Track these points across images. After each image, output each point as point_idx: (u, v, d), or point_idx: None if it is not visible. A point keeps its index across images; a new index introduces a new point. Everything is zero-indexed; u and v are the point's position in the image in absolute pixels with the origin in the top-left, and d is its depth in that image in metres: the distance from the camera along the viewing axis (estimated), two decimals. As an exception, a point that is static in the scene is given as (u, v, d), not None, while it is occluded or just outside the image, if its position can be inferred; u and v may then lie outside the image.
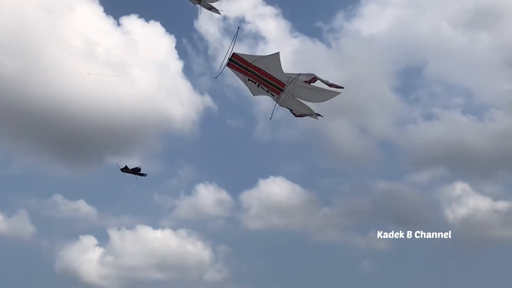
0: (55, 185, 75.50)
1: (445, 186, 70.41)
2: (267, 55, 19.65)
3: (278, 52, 19.46)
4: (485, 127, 68.15)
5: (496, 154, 64.52)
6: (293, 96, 20.17)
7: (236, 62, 20.00)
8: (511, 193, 70.99)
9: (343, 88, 20.41)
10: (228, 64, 20.07)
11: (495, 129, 66.61)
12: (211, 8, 28.57)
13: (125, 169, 30.74)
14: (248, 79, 20.54)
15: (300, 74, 20.04)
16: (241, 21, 75.22)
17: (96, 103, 59.62)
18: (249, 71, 20.24)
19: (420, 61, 79.06)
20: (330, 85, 20.30)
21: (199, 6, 28.23)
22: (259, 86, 20.65)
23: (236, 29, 20.46)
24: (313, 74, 20.41)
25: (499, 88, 70.09)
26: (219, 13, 29.22)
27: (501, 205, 63.12)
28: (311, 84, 20.11)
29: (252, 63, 19.98)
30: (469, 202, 62.90)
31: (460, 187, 65.55)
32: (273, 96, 20.49)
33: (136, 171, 31.15)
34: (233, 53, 19.68)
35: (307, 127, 65.57)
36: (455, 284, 60.75)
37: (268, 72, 20.12)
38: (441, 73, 73.04)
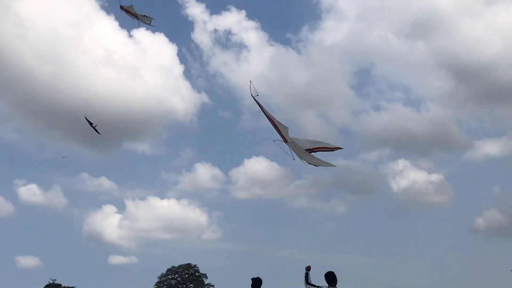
0: (82, 165, 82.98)
1: (390, 163, 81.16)
2: (279, 121, 17.86)
3: (288, 127, 17.72)
4: (421, 116, 78.39)
5: (430, 137, 74.96)
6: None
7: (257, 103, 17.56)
8: (442, 168, 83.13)
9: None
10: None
11: (429, 117, 77.07)
12: (145, 22, 28.63)
13: (88, 121, 30.37)
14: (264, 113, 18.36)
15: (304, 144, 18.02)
16: (228, 33, 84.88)
17: (114, 100, 66.33)
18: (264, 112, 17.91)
19: (369, 64, 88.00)
20: (331, 148, 18.32)
21: (137, 20, 28.33)
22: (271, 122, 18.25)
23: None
24: (319, 143, 18.36)
25: (432, 85, 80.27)
26: (152, 25, 29.50)
27: (434, 177, 74.32)
28: (312, 153, 18.20)
29: (264, 111, 17.85)
30: (409, 175, 74.25)
31: (402, 163, 76.28)
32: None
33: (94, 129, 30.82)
34: (254, 97, 17.02)
35: (282, 118, 77.11)
36: (399, 236, 73.43)
37: (277, 125, 17.90)
38: (386, 74, 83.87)
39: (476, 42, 72.52)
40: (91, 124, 31.45)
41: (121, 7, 27.65)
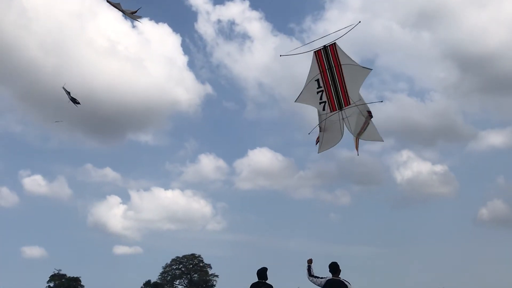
0: (87, 156, 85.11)
1: (394, 154, 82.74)
2: (360, 66, 14.75)
3: (371, 69, 14.78)
4: (426, 107, 78.95)
5: (435, 128, 75.15)
6: (343, 119, 15.32)
7: (328, 55, 14.43)
8: (446, 159, 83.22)
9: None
10: (318, 51, 14.32)
11: (434, 108, 77.50)
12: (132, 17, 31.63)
13: (66, 92, 25.31)
14: (316, 79, 14.92)
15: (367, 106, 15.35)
16: (232, 23, 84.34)
17: (119, 91, 68.42)
18: (330, 71, 14.75)
19: (373, 54, 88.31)
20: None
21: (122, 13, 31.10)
22: (320, 93, 15.05)
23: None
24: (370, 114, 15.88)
25: (437, 76, 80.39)
26: (139, 21, 31.32)
27: (438, 168, 75.66)
28: (371, 118, 15.75)
29: (341, 65, 14.61)
30: (413, 166, 74.51)
31: (406, 154, 77.78)
32: (324, 110, 15.21)
33: (74, 99, 25.59)
34: (335, 43, 14.28)
35: (286, 110, 76.47)
36: (402, 227, 73.73)
37: (345, 81, 14.80)
38: (389, 64, 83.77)
39: (481, 32, 72.25)
40: (69, 94, 29.05)
41: (108, 1, 26.50)
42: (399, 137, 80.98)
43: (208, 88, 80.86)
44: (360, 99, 15.23)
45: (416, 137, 78.96)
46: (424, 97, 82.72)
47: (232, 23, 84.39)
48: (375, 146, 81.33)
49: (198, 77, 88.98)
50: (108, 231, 71.90)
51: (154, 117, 76.83)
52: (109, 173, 75.41)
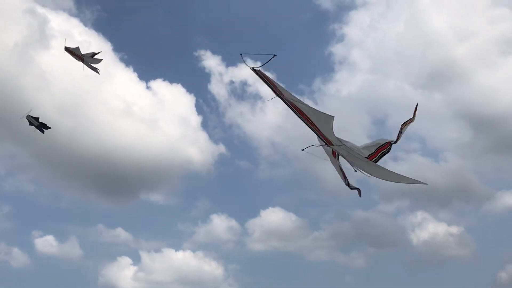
0: (99, 216, 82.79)
1: (409, 215, 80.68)
2: (315, 109, 12.08)
3: (333, 117, 12.24)
4: (440, 167, 76.73)
5: (450, 188, 68.76)
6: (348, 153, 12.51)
7: (265, 81, 12.13)
8: (462, 219, 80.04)
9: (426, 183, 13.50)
10: (258, 72, 11.97)
11: (448, 168, 73.65)
12: (91, 67, 26.10)
13: (32, 119, 24.82)
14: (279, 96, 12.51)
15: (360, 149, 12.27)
16: (244, 84, 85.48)
17: (132, 150, 66.30)
18: (284, 100, 12.32)
19: (383, 115, 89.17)
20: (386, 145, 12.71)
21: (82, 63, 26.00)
22: (302, 118, 12.37)
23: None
24: (373, 144, 12.66)
25: (450, 136, 78.02)
26: (97, 72, 26.24)
27: (455, 229, 72.78)
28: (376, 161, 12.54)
29: (293, 101, 12.25)
30: (428, 227, 72.18)
31: (421, 215, 75.04)
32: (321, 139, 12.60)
33: (41, 125, 25.15)
34: (259, 70, 11.93)
35: (300, 167, 75.75)
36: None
37: (312, 120, 12.30)
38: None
39: (493, 93, 72.40)
40: (36, 120, 26.40)
41: (66, 48, 25.32)
42: (414, 198, 79.27)
43: (222, 148, 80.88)
44: (343, 144, 12.42)
45: (430, 198, 77.04)
46: (437, 157, 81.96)
47: (244, 84, 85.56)
48: (390, 207, 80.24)
49: (211, 137, 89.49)
50: (118, 293, 69.76)
51: (167, 177, 76.24)
52: (121, 233, 73.71)
